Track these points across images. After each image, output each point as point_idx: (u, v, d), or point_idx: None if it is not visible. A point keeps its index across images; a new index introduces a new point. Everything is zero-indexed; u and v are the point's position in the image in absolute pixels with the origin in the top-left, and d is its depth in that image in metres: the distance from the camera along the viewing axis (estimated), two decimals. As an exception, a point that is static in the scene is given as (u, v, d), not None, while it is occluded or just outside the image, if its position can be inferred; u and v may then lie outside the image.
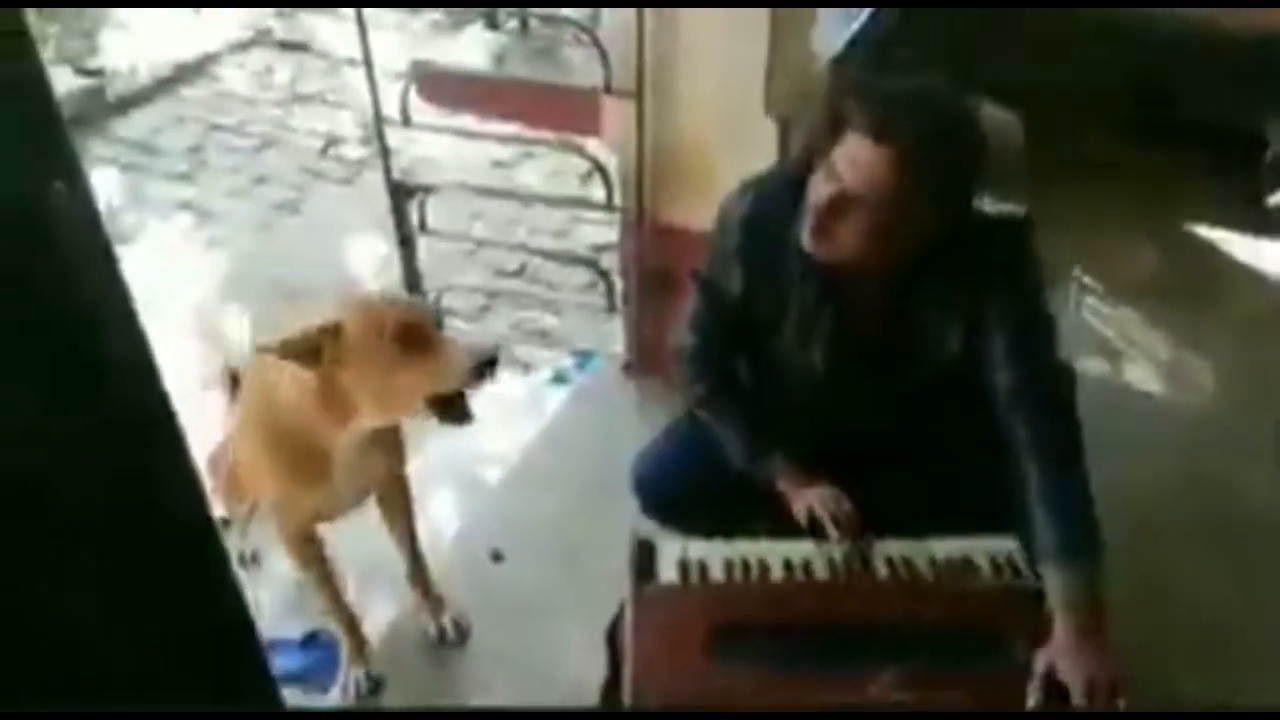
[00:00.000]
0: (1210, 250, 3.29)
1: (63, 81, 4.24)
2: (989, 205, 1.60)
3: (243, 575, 2.26)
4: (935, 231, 1.43)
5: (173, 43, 4.71)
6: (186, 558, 0.75)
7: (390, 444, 1.84)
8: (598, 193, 2.47)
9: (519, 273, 3.45)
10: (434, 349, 1.55)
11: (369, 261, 3.44)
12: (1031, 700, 1.30)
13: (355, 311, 1.57)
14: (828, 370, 1.60)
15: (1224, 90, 3.22)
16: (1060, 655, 1.32)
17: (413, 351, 1.53)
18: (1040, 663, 1.33)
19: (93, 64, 4.53)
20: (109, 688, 0.70)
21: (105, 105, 4.34)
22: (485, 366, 1.54)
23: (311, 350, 1.53)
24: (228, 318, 3.16)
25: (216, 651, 0.79)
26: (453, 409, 1.61)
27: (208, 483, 2.10)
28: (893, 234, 1.41)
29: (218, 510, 2.22)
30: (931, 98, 1.44)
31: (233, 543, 2.27)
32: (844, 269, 1.49)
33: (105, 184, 3.85)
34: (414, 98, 2.52)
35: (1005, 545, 1.53)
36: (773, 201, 1.55)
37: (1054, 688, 1.30)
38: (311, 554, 1.89)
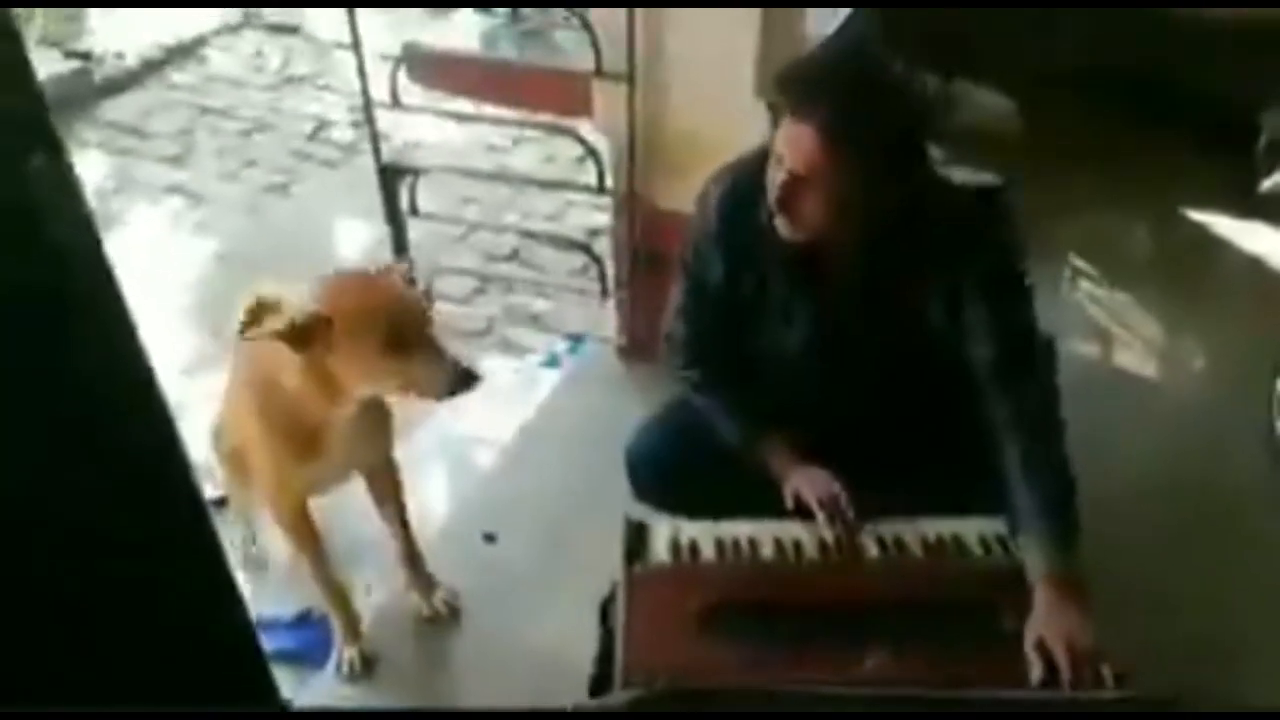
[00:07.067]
0: (1204, 235, 3.30)
1: (50, 64, 4.20)
2: (967, 176, 1.59)
3: (246, 557, 2.26)
4: (896, 201, 1.41)
5: (161, 25, 4.67)
6: (172, 534, 0.75)
7: (380, 421, 1.86)
8: (592, 177, 2.46)
9: (511, 257, 3.44)
10: (418, 356, 1.56)
11: (359, 245, 3.43)
12: (1035, 674, 1.31)
13: (350, 299, 1.58)
14: (813, 348, 1.60)
15: (1219, 78, 3.23)
16: (1041, 624, 1.34)
17: (397, 353, 1.55)
18: (1030, 637, 1.34)
19: (80, 47, 4.48)
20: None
21: (93, 88, 4.31)
22: (461, 384, 1.56)
23: (304, 336, 1.55)
24: (217, 302, 3.14)
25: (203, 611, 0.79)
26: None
27: (210, 455, 2.10)
28: (848, 208, 1.40)
29: (218, 489, 2.22)
30: (845, 71, 1.42)
31: (230, 524, 2.26)
32: (815, 246, 1.48)
33: (94, 167, 3.83)
34: (405, 81, 2.50)
35: (995, 525, 1.54)
36: (747, 184, 1.54)
37: (1049, 660, 1.31)
38: (305, 532, 1.90)
